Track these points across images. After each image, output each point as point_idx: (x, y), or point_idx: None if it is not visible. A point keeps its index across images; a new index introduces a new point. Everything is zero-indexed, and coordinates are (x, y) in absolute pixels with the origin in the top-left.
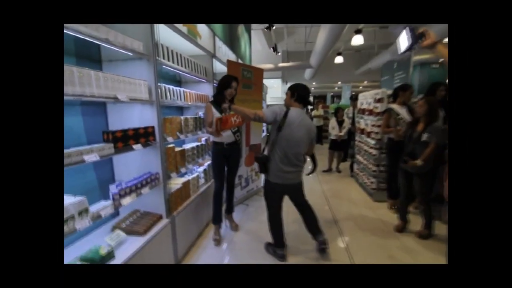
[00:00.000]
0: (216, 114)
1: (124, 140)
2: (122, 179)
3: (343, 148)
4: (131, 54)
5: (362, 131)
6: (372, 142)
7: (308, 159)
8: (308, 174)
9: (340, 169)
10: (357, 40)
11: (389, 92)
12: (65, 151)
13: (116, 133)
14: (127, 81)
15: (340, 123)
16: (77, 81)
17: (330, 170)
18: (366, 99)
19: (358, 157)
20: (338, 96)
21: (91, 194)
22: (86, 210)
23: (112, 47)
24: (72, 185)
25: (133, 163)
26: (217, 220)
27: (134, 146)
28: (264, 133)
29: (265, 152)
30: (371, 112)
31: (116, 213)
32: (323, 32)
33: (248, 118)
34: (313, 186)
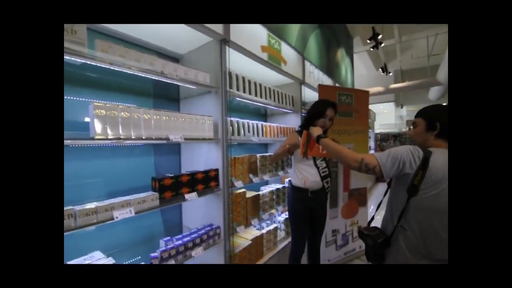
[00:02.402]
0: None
1: (175, 188)
2: (189, 225)
3: None
4: (194, 87)
5: None
6: None
7: None
8: None
9: None
10: None
11: None
12: (87, 206)
13: (165, 181)
14: (185, 118)
15: None
16: (120, 122)
17: None
18: None
19: None
20: None
21: (152, 242)
22: None
23: (168, 81)
24: (131, 227)
25: (198, 210)
26: None
27: (187, 196)
28: None
29: (375, 222)
30: None
31: None
32: None
33: (346, 164)
34: None
